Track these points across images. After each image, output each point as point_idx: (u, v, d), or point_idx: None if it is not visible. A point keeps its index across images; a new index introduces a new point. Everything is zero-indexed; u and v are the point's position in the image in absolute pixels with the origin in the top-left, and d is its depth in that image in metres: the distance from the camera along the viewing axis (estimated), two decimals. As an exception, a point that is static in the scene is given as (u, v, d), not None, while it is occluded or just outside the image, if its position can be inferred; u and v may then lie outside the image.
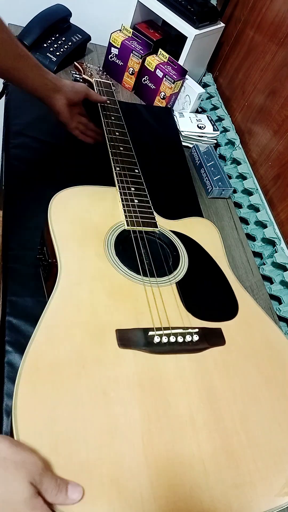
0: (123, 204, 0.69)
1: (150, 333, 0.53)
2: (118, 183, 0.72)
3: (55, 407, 0.44)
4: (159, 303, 0.58)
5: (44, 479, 0.38)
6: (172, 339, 0.54)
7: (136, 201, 0.71)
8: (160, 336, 0.53)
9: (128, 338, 0.52)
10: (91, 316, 0.53)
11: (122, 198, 0.70)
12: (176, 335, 0.54)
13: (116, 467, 0.42)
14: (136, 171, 0.76)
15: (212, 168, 0.99)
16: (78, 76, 0.99)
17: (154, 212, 0.71)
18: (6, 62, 0.68)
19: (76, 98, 0.79)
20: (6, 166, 0.80)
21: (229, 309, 0.62)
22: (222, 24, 1.09)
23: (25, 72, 0.71)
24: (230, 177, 1.05)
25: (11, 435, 0.42)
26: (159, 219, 0.71)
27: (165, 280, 0.62)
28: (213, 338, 0.57)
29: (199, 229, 0.75)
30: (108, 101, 0.88)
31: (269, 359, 0.58)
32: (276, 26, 0.95)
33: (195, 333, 0.56)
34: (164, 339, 0.53)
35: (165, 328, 0.55)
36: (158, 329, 0.54)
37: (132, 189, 0.72)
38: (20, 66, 0.70)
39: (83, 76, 0.97)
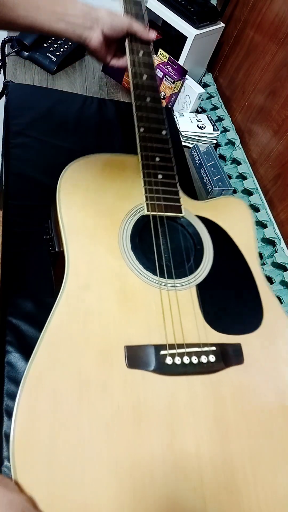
0: (144, 181, 0.59)
1: (162, 352, 0.49)
2: (141, 150, 0.61)
3: (54, 447, 0.42)
4: (175, 311, 0.53)
5: None
6: (186, 360, 0.49)
7: (160, 176, 0.60)
8: (173, 356, 0.49)
9: (138, 357, 0.48)
10: (99, 330, 0.49)
11: (144, 172, 0.59)
12: (190, 355, 0.50)
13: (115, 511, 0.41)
14: (164, 133, 0.63)
15: (212, 168, 0.99)
16: None
17: (180, 191, 0.61)
18: (24, 9, 0.58)
19: (115, 35, 0.66)
20: (6, 166, 0.80)
21: (252, 319, 0.57)
22: (222, 24, 1.09)
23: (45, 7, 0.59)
24: (230, 177, 1.05)
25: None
26: (184, 200, 0.62)
27: (184, 282, 0.56)
28: (230, 357, 0.52)
29: (230, 213, 0.65)
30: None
31: None
32: (276, 26, 0.95)
33: (212, 352, 0.51)
34: (177, 361, 0.49)
35: (179, 346, 0.50)
36: (171, 346, 0.50)
37: (157, 159, 0.61)
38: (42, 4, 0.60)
39: None
